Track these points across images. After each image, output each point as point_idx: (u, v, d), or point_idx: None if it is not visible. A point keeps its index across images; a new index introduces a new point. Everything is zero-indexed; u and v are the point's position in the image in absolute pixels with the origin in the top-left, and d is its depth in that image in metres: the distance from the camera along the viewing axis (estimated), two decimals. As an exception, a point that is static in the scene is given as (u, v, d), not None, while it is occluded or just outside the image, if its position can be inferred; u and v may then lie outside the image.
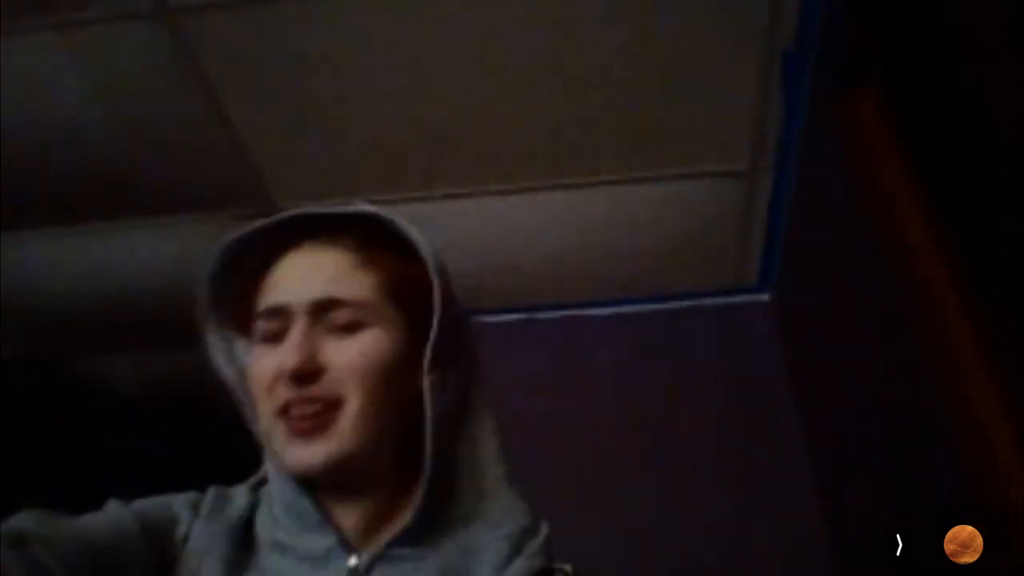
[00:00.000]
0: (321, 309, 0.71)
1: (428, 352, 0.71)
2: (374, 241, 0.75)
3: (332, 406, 0.69)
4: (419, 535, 0.70)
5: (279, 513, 0.73)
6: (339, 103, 1.66)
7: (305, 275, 0.73)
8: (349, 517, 0.72)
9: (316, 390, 0.68)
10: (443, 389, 0.72)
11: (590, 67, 1.57)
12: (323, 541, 0.70)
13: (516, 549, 0.71)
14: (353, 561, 0.69)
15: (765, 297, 2.19)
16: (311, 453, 0.68)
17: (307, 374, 0.68)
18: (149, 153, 1.79)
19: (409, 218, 0.76)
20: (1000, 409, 0.92)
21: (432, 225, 2.08)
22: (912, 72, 1.15)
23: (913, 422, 1.19)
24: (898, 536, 1.09)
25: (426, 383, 0.71)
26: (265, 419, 0.71)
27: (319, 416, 0.68)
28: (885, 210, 1.19)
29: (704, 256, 2.09)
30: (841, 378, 1.59)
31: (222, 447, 1.47)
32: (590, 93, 1.63)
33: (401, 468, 0.74)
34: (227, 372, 0.77)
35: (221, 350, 0.77)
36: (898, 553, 1.07)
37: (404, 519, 0.71)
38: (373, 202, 0.84)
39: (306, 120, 1.70)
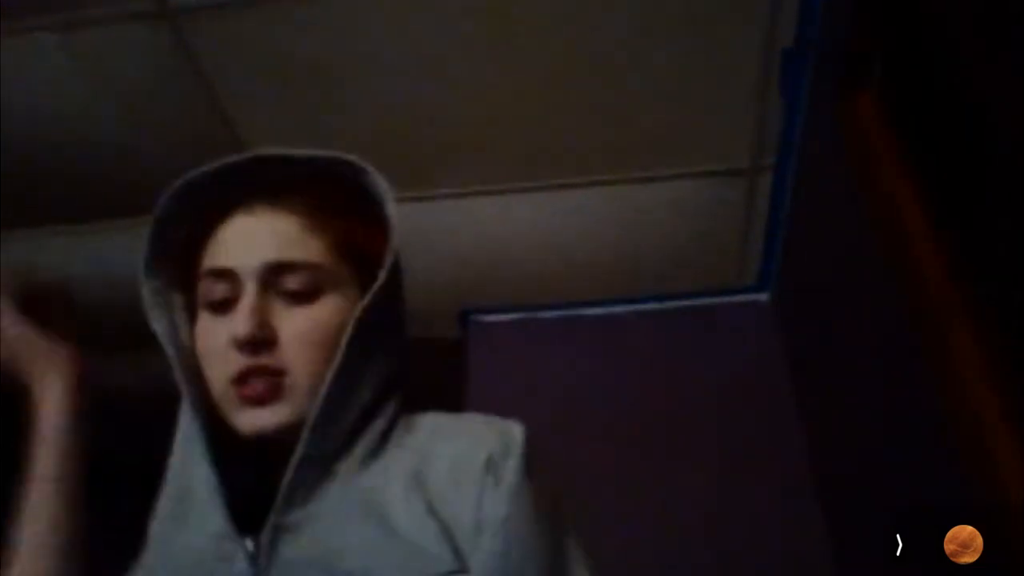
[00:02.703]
0: (272, 274, 0.69)
1: (358, 310, 0.69)
2: (329, 199, 0.73)
3: (280, 373, 0.68)
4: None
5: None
6: (341, 104, 1.66)
7: (255, 238, 0.70)
8: None
9: (267, 359, 0.67)
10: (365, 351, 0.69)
11: (590, 67, 1.57)
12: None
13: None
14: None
15: (765, 297, 2.19)
16: (262, 418, 0.67)
17: (260, 342, 0.67)
18: (150, 153, 1.78)
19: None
20: (1000, 409, 0.92)
21: (434, 225, 2.08)
22: (912, 72, 1.15)
23: (913, 422, 1.19)
24: (898, 536, 1.09)
25: (348, 332, 0.68)
26: (217, 384, 0.69)
27: (270, 383, 0.67)
28: (885, 210, 1.19)
29: (704, 255, 2.09)
30: (841, 378, 1.59)
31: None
32: (590, 93, 1.63)
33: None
34: (160, 326, 0.73)
35: (156, 303, 0.74)
36: (898, 553, 1.07)
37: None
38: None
39: (307, 121, 1.70)
